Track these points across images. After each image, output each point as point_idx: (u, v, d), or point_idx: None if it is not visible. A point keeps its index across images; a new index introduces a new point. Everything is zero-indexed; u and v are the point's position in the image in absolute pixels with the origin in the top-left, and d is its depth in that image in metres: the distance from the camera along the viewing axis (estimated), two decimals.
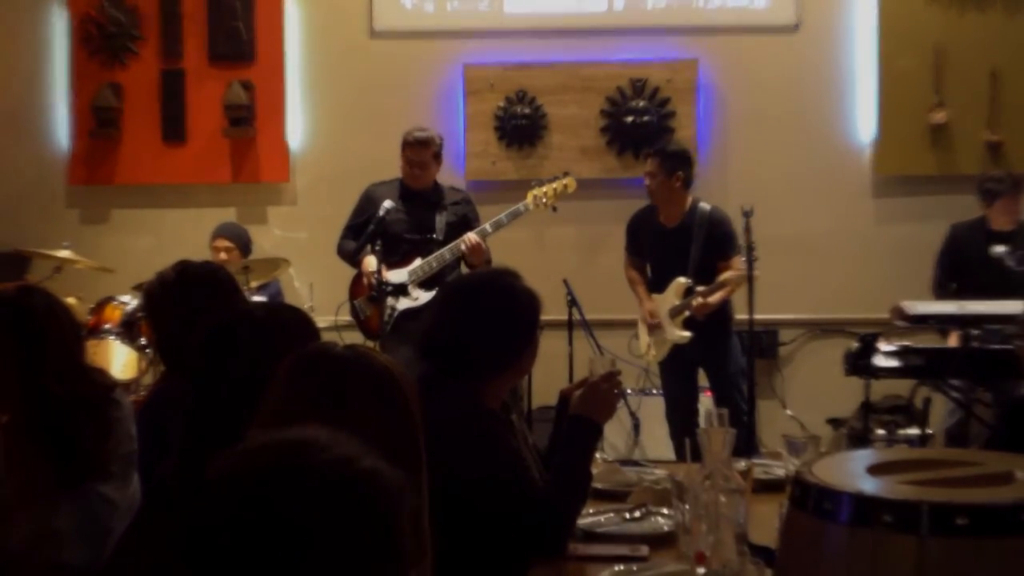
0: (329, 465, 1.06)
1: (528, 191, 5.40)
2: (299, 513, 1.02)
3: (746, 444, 4.92)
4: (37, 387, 2.39)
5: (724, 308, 5.20)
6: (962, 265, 5.40)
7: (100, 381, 2.54)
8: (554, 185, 5.42)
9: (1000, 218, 5.35)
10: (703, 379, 5.40)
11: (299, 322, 2.13)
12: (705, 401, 5.36)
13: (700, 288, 5.05)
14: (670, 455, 5.26)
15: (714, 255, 5.11)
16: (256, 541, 1.02)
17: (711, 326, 5.14)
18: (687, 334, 5.14)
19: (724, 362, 5.20)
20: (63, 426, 2.39)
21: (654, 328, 5.26)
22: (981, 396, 5.09)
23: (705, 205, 5.19)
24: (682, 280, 5.14)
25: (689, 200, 5.21)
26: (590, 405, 2.51)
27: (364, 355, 1.59)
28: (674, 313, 5.17)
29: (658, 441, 5.62)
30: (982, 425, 4.93)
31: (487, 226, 5.26)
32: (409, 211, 5.27)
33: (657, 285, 5.29)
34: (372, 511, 1.06)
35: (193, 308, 2.82)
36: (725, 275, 5.07)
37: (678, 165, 5.17)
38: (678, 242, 5.16)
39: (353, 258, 5.29)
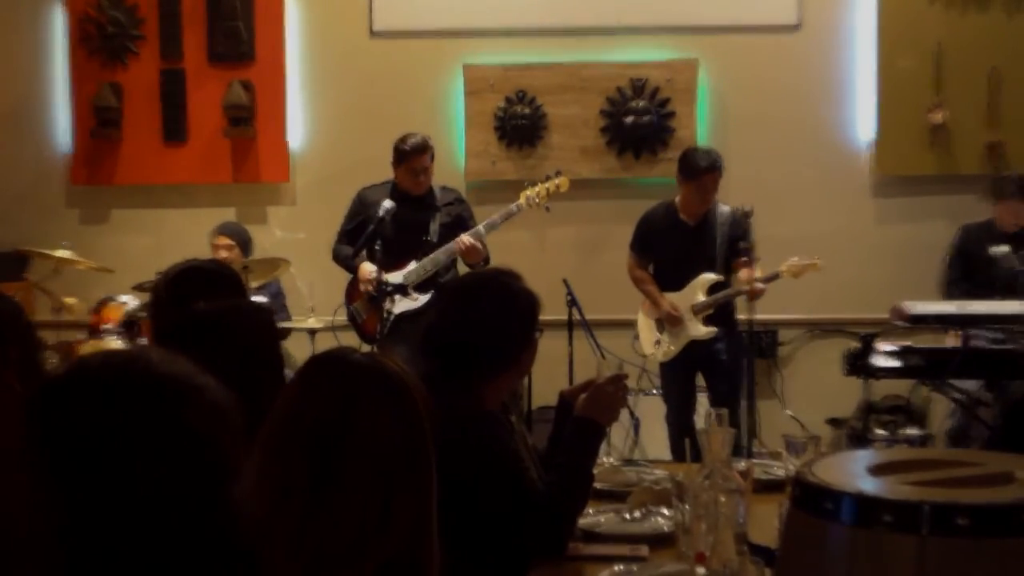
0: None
1: (521, 191, 5.42)
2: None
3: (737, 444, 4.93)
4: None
5: (730, 305, 5.22)
6: (968, 265, 5.37)
7: None
8: (546, 185, 5.42)
9: (1006, 219, 5.28)
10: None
11: (252, 316, 2.20)
12: (704, 402, 5.36)
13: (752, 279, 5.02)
14: (669, 455, 5.26)
15: (732, 252, 5.14)
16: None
17: (719, 324, 5.16)
18: (712, 329, 5.15)
19: (729, 360, 5.21)
20: None
21: (673, 324, 5.24)
22: (982, 396, 5.08)
23: (724, 205, 5.24)
24: (710, 276, 5.15)
25: None
26: (595, 407, 2.52)
27: (379, 362, 1.60)
28: (698, 309, 5.17)
29: (658, 441, 5.62)
30: (983, 425, 4.93)
31: (481, 227, 5.26)
32: (403, 213, 5.25)
33: (675, 282, 5.26)
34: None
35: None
36: (786, 265, 5.10)
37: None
38: (701, 239, 5.18)
39: (350, 261, 5.29)
